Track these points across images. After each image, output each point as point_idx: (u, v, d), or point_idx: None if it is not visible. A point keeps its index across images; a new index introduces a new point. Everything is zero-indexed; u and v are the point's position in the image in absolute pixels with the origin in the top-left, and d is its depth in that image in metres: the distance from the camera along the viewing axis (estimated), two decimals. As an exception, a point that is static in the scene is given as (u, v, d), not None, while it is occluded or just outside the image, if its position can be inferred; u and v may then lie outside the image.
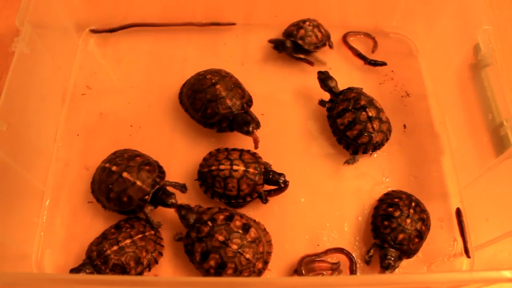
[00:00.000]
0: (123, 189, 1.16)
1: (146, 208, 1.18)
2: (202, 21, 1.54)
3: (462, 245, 1.22)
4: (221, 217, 1.13)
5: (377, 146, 1.31)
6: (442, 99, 1.43)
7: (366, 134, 1.28)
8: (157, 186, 1.18)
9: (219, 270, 1.10)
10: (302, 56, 1.46)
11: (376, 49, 1.51)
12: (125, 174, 1.17)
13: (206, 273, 1.12)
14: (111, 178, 1.18)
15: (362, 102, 1.29)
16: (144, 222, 1.20)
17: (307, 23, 1.45)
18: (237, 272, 1.10)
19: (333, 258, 1.21)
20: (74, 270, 1.13)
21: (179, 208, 1.16)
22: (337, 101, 1.33)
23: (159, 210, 1.22)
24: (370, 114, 1.28)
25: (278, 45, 1.46)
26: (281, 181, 1.21)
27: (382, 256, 1.17)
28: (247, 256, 1.10)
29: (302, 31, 1.43)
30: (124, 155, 1.22)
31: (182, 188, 1.24)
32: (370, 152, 1.32)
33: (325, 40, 1.47)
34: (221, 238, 1.10)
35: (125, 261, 1.12)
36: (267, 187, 1.24)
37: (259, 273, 1.14)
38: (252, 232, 1.13)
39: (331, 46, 1.49)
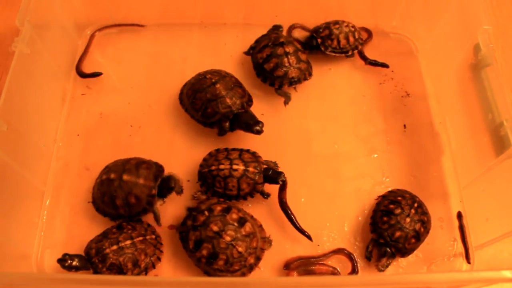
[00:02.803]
0: (128, 191, 1.16)
1: (156, 203, 1.19)
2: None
3: (463, 251, 1.21)
4: (219, 208, 1.14)
5: (292, 82, 1.37)
6: (442, 99, 1.43)
7: (281, 68, 1.35)
8: (160, 179, 1.19)
9: (211, 260, 1.11)
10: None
11: (370, 40, 1.51)
12: (125, 177, 1.17)
13: (198, 261, 1.14)
14: (112, 186, 1.17)
15: (281, 40, 1.37)
16: (146, 226, 1.20)
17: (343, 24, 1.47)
18: (228, 264, 1.11)
19: (332, 259, 1.21)
20: (66, 255, 1.12)
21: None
22: (260, 40, 1.43)
23: (161, 210, 1.22)
24: (287, 50, 1.35)
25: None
26: (280, 179, 1.21)
27: (379, 256, 1.17)
28: (240, 249, 1.10)
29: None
30: (117, 163, 1.22)
31: (179, 188, 1.24)
32: (287, 87, 1.37)
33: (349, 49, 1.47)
34: (215, 228, 1.10)
35: (123, 262, 1.12)
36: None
37: (250, 268, 1.14)
38: (248, 227, 1.13)
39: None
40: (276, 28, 1.46)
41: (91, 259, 1.12)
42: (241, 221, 1.13)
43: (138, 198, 1.16)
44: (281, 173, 1.21)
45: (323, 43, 1.45)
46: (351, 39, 1.44)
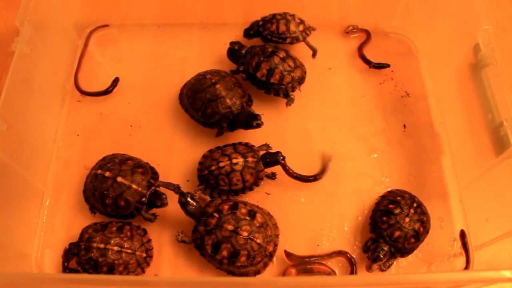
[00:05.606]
0: (119, 193, 1.17)
1: (143, 209, 1.19)
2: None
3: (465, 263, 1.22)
4: (226, 207, 1.14)
5: (300, 81, 1.38)
6: (442, 99, 1.43)
7: (287, 74, 1.35)
8: (153, 188, 1.19)
9: (233, 259, 1.11)
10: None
11: (369, 41, 1.51)
12: (119, 179, 1.17)
13: (220, 264, 1.14)
14: (105, 184, 1.18)
15: (270, 49, 1.36)
16: (146, 241, 1.18)
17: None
18: (251, 258, 1.11)
19: (332, 260, 1.21)
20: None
21: (181, 201, 1.15)
22: (248, 61, 1.37)
23: (161, 209, 1.22)
24: (281, 56, 1.35)
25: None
26: (279, 159, 1.23)
27: (373, 249, 1.17)
28: (258, 241, 1.11)
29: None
30: (114, 160, 1.22)
31: (176, 188, 1.24)
32: (298, 88, 1.37)
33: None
34: (230, 227, 1.11)
35: (100, 263, 1.12)
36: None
37: (271, 256, 1.16)
38: (259, 217, 1.14)
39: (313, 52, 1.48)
40: (237, 44, 1.41)
41: (79, 242, 1.14)
42: (252, 214, 1.14)
43: (127, 202, 1.17)
44: (277, 153, 1.23)
45: (263, 25, 1.45)
46: (292, 28, 1.43)
